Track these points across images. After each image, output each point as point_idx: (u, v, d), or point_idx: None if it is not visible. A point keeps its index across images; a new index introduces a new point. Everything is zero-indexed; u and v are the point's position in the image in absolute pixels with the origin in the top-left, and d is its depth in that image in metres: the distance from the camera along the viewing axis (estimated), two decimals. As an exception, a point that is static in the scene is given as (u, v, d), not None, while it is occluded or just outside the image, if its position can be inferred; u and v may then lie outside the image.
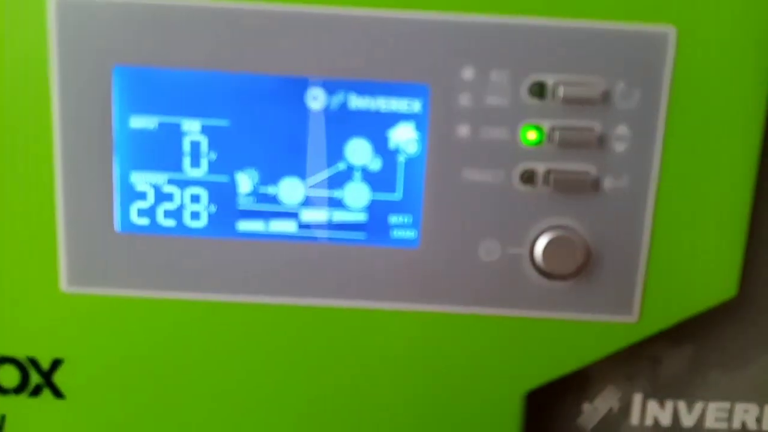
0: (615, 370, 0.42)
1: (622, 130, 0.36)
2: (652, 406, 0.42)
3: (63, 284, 0.37)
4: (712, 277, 0.38)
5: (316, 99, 0.36)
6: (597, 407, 0.42)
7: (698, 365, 0.42)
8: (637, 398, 0.42)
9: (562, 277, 0.37)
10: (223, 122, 0.36)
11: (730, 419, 0.42)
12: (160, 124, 0.36)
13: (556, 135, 0.35)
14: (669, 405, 0.42)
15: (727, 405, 0.42)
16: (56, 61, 0.35)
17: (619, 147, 0.36)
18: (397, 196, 0.37)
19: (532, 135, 0.36)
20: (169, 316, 0.38)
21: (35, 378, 0.39)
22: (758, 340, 0.42)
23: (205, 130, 0.36)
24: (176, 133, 0.36)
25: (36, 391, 0.39)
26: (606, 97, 0.35)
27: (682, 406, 0.42)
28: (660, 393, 0.42)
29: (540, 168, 0.36)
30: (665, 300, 0.38)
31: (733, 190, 0.37)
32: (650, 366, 0.42)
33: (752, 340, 0.42)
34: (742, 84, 0.35)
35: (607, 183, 0.36)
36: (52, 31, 0.34)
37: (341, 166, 0.37)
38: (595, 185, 0.36)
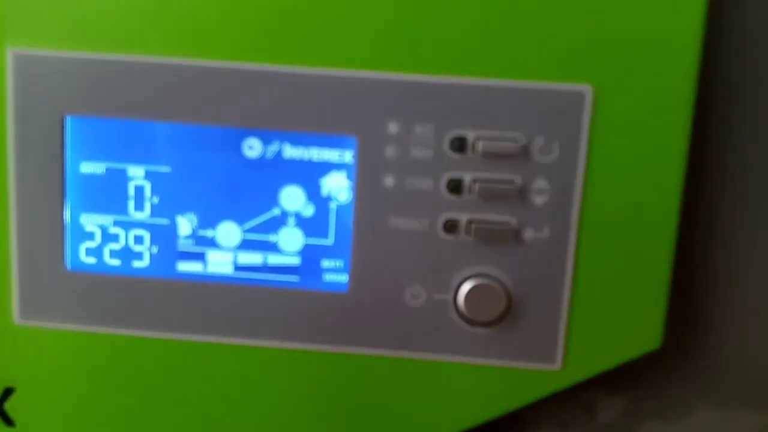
0: (548, 417, 0.43)
1: (541, 183, 0.37)
2: (586, 454, 0.43)
3: (15, 317, 0.40)
4: (635, 328, 0.38)
5: (252, 148, 0.38)
6: (529, 453, 0.43)
7: (633, 414, 0.42)
8: (570, 446, 0.43)
9: (485, 324, 0.38)
10: (165, 168, 0.39)
11: (663, 470, 0.43)
12: (108, 170, 0.39)
13: (476, 187, 0.37)
14: (602, 454, 0.43)
15: (661, 456, 0.43)
16: (12, 110, 0.38)
17: (539, 199, 0.37)
18: (329, 241, 0.39)
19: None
20: (113, 350, 0.40)
21: (-12, 405, 0.41)
22: (694, 391, 0.42)
23: (148, 175, 0.39)
24: (122, 178, 0.39)
25: (-11, 418, 0.41)
26: (525, 152, 0.37)
27: (616, 455, 0.43)
28: (594, 441, 0.43)
29: (462, 218, 0.37)
30: (589, 349, 0.39)
31: (654, 242, 0.37)
32: (585, 414, 0.43)
33: (689, 390, 0.42)
34: (659, 139, 0.36)
35: (528, 233, 0.37)
36: (9, 83, 0.37)
37: (276, 211, 0.39)
38: (516, 235, 0.37)
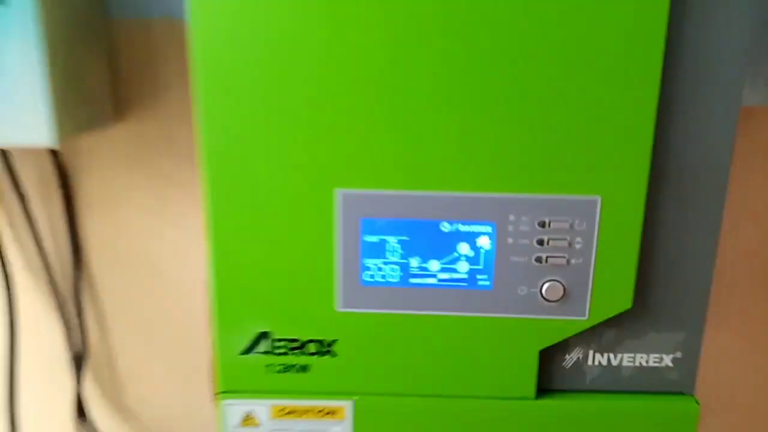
0: (580, 340, 0.90)
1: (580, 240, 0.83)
2: (597, 356, 0.90)
3: (338, 306, 0.86)
4: (618, 294, 0.85)
5: (444, 226, 0.84)
6: (572, 357, 0.90)
7: (619, 337, 0.90)
8: (590, 353, 0.90)
9: (554, 301, 0.84)
10: (405, 237, 0.84)
11: (634, 361, 0.90)
12: (380, 240, 0.84)
13: (549, 240, 0.83)
14: (605, 356, 0.90)
15: (632, 355, 0.90)
16: (341, 234, 0.83)
17: (578, 245, 0.83)
18: (481, 266, 0.85)
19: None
20: (393, 325, 0.86)
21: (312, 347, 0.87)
22: (648, 324, 0.89)
23: (399, 241, 0.84)
24: (386, 243, 0.84)
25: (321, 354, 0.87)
26: (571, 227, 0.82)
27: (611, 356, 0.90)
28: (601, 350, 0.90)
29: (542, 255, 0.83)
30: (600, 307, 0.85)
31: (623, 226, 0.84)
32: (597, 338, 0.90)
33: (645, 324, 0.89)
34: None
35: (573, 259, 0.83)
36: (338, 215, 0.82)
37: (455, 254, 0.84)
38: (568, 261, 0.83)
